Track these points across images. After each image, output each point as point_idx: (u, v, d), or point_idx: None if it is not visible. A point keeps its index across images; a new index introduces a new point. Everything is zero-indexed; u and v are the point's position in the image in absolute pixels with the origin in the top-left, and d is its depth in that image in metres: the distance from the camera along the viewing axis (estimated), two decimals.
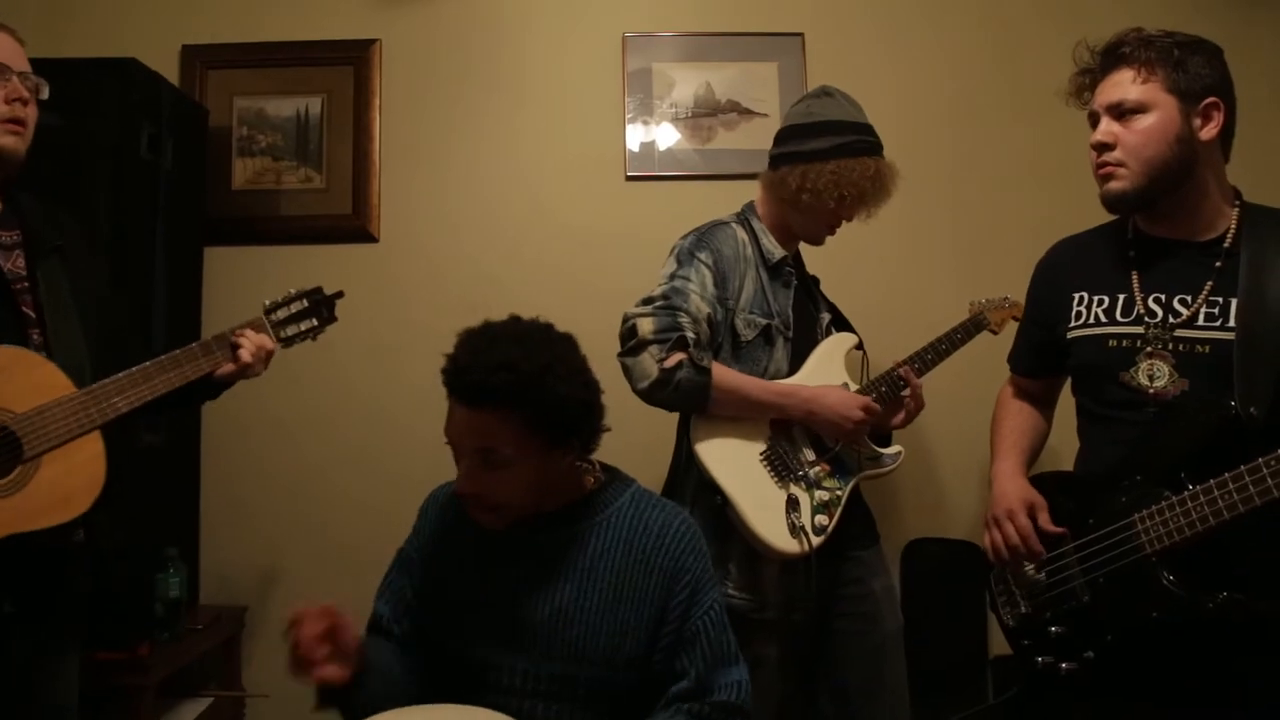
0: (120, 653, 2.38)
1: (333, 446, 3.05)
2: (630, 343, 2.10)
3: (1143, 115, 1.63)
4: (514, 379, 1.49)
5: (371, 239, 3.10)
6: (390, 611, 1.70)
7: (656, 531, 1.64)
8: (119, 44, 2.94)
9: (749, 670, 2.10)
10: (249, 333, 1.89)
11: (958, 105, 3.13)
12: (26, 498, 1.60)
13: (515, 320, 1.62)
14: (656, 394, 2.07)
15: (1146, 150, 1.63)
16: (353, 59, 3.12)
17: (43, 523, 1.61)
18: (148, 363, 1.74)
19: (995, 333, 2.51)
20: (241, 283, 3.07)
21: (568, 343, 1.62)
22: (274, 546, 3.05)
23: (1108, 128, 1.67)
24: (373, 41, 3.13)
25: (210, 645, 2.82)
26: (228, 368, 1.85)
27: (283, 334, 1.96)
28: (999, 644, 2.70)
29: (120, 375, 1.70)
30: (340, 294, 2.06)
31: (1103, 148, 1.67)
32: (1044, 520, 1.74)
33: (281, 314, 1.97)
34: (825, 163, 2.18)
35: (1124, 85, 1.65)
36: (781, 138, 2.29)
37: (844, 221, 2.29)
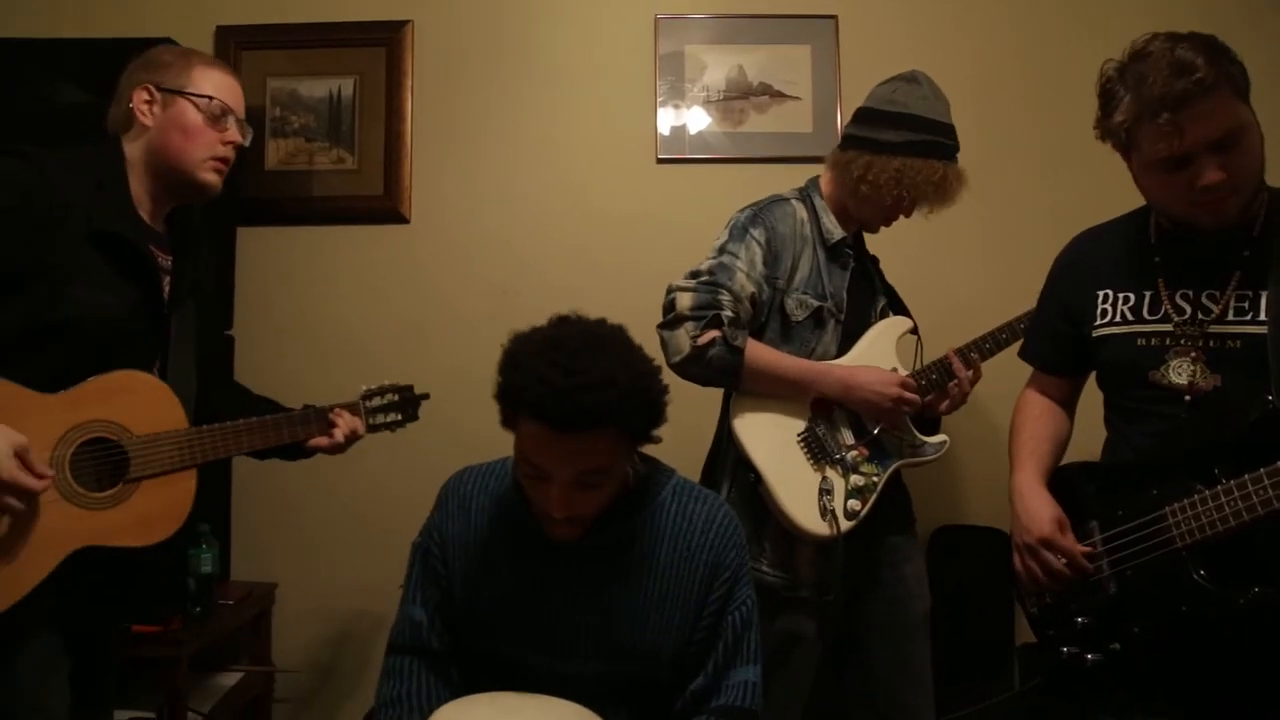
0: (153, 626, 2.42)
1: None
2: (668, 316, 2.10)
3: (1244, 136, 1.52)
4: (619, 395, 1.39)
5: (403, 220, 3.11)
6: (428, 618, 1.64)
7: (701, 526, 1.60)
8: (153, 24, 2.97)
9: (787, 646, 2.12)
10: (345, 414, 2.05)
11: (988, 90, 3.09)
12: (116, 515, 1.70)
13: (564, 321, 1.52)
14: (687, 369, 2.08)
15: (1254, 167, 1.55)
16: (385, 40, 3.13)
17: (121, 541, 1.70)
18: (253, 419, 1.89)
19: None
20: (274, 263, 3.09)
21: (628, 336, 1.53)
22: (304, 524, 3.08)
23: (1216, 163, 1.52)
24: (405, 23, 3.13)
25: (241, 620, 2.86)
26: (321, 441, 2.01)
27: (372, 421, 2.13)
28: (1025, 631, 2.68)
29: (228, 424, 1.84)
30: (426, 395, 2.24)
31: (1220, 185, 1.53)
32: (1070, 539, 1.69)
33: (375, 402, 2.15)
34: (892, 158, 2.13)
35: (1220, 115, 1.50)
36: (858, 118, 2.25)
37: (900, 218, 2.26)
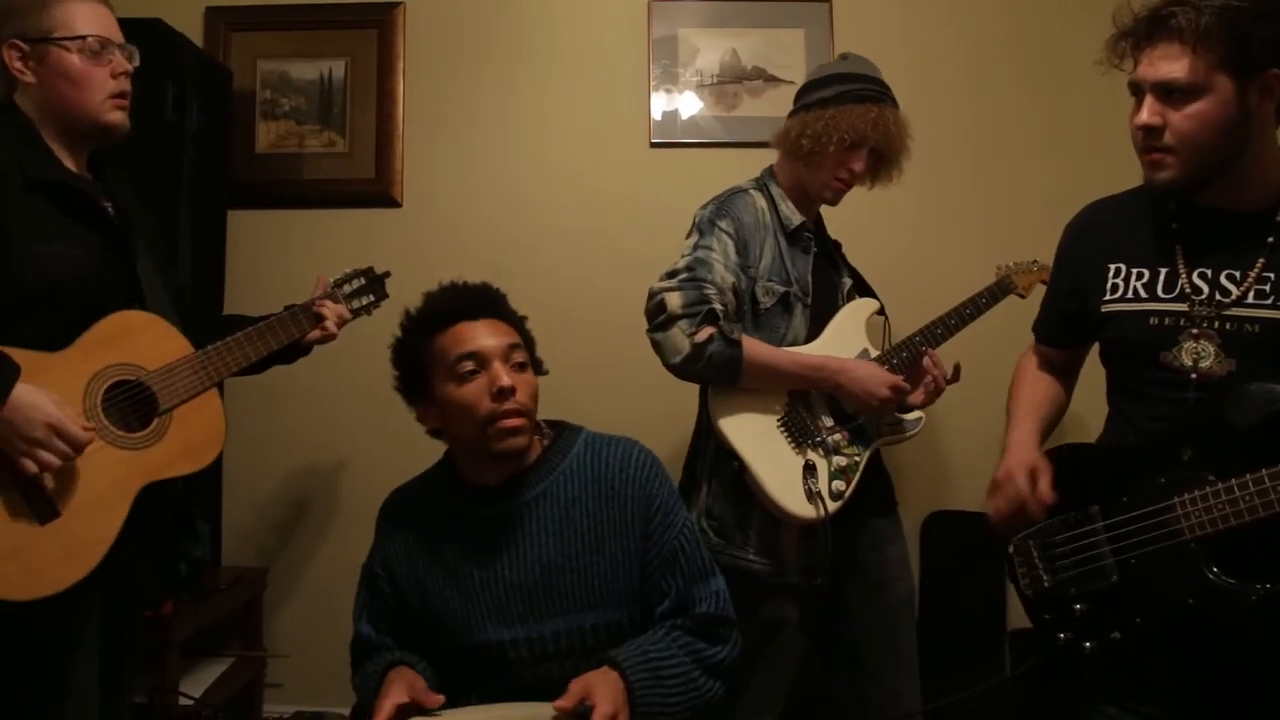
0: (145, 611, 2.40)
1: (355, 409, 3.06)
2: (659, 318, 2.09)
3: (1195, 100, 1.47)
4: (502, 295, 1.74)
5: (395, 204, 3.09)
6: (374, 631, 1.73)
7: (619, 466, 1.70)
8: (144, 4, 2.91)
9: (771, 632, 2.14)
10: (329, 303, 2.09)
11: (983, 72, 3.10)
12: (163, 448, 1.73)
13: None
14: (688, 368, 2.07)
15: (1198, 138, 1.48)
16: (376, 22, 3.10)
17: (178, 471, 1.75)
18: (249, 329, 1.91)
19: (1023, 296, 2.45)
20: (265, 246, 3.08)
21: None
22: (295, 508, 3.08)
23: (1155, 109, 1.51)
24: (397, 4, 3.10)
25: (232, 606, 2.85)
26: (315, 333, 2.05)
27: (351, 305, 2.18)
28: (1017, 617, 2.70)
29: (229, 339, 1.86)
30: (388, 273, 2.29)
31: (1149, 131, 1.52)
32: (1044, 485, 1.66)
33: (347, 288, 2.18)
34: (825, 109, 2.17)
35: (1173, 62, 1.46)
36: (795, 97, 2.31)
37: (855, 175, 2.22)
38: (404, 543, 1.72)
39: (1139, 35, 1.53)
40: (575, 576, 1.64)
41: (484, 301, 1.70)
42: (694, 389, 2.27)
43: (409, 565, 1.71)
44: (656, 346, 2.10)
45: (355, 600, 1.77)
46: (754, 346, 2.09)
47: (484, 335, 1.64)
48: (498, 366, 1.62)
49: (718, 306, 2.07)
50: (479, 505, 1.69)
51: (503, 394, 1.60)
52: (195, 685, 2.63)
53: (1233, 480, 1.43)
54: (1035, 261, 2.49)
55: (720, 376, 2.10)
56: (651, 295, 2.12)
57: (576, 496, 1.68)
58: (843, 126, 2.14)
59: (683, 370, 2.08)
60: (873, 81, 2.21)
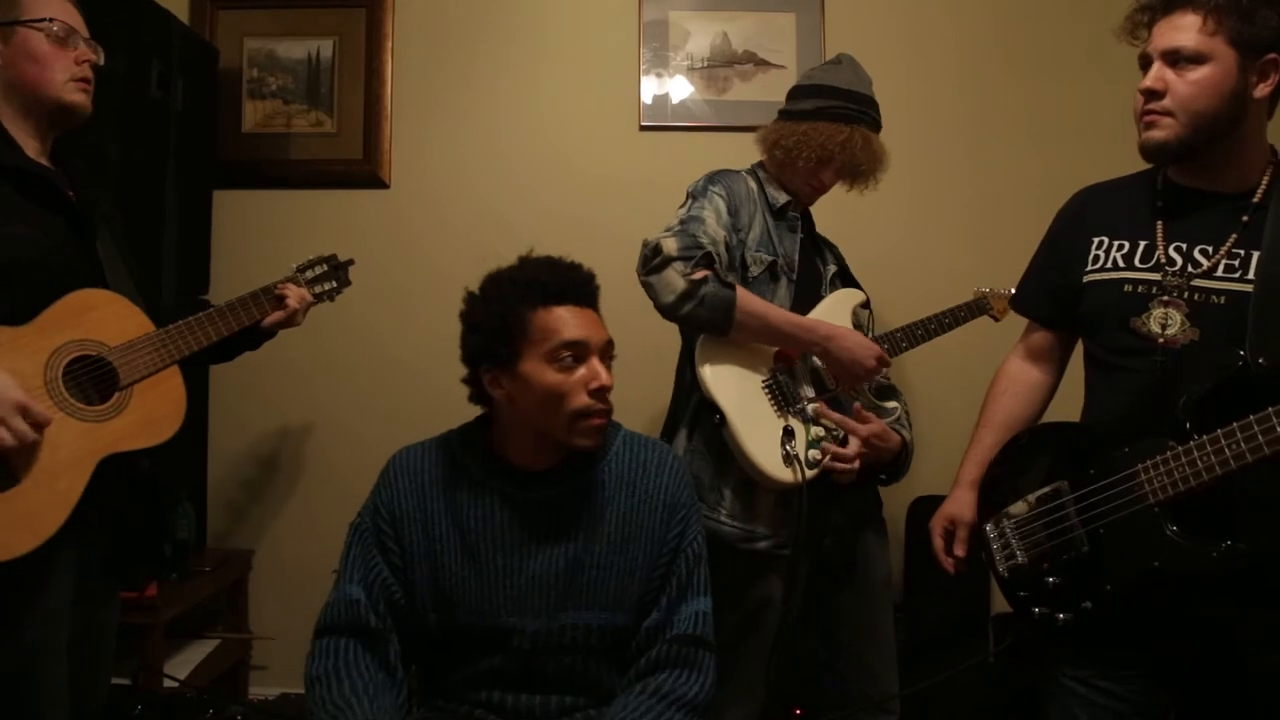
0: (129, 592, 2.39)
1: (342, 390, 3.06)
2: (654, 261, 2.08)
3: (1199, 66, 1.55)
4: (599, 285, 1.72)
5: (382, 185, 3.08)
6: (366, 595, 1.63)
7: (654, 470, 1.72)
8: None
9: (756, 611, 2.15)
10: (291, 286, 2.11)
11: (975, 58, 3.09)
12: (123, 421, 1.75)
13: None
14: (682, 307, 2.05)
15: (1197, 103, 1.56)
16: (365, 1, 3.08)
17: (137, 444, 1.76)
18: (211, 310, 1.94)
19: (996, 319, 2.53)
20: (251, 226, 3.06)
21: None
22: (281, 491, 3.07)
23: (1160, 74, 1.59)
24: None
25: (218, 588, 2.85)
26: (276, 315, 2.06)
27: (314, 290, 2.20)
28: (1000, 602, 2.70)
29: (190, 319, 1.89)
30: (351, 261, 2.30)
31: (1151, 95, 1.60)
32: (959, 539, 1.89)
33: (310, 274, 2.21)
34: (799, 123, 2.23)
35: (1185, 31, 1.56)
36: (786, 97, 2.36)
37: (825, 185, 2.30)
38: (419, 506, 1.67)
39: (1156, 8, 1.62)
40: (596, 574, 1.64)
41: (590, 290, 1.70)
42: (669, 368, 2.29)
43: (423, 531, 1.66)
44: (649, 289, 2.09)
45: (343, 559, 1.68)
46: (747, 295, 2.10)
47: (589, 327, 1.64)
48: (598, 363, 1.63)
49: (712, 252, 2.09)
50: (516, 488, 1.66)
51: (601, 392, 1.62)
52: (180, 667, 2.63)
53: (1191, 443, 1.48)
54: (1011, 291, 2.53)
55: (713, 319, 2.08)
56: (646, 245, 2.12)
57: (611, 495, 1.68)
58: (813, 145, 2.21)
59: (675, 309, 2.06)
60: (854, 98, 2.24)
